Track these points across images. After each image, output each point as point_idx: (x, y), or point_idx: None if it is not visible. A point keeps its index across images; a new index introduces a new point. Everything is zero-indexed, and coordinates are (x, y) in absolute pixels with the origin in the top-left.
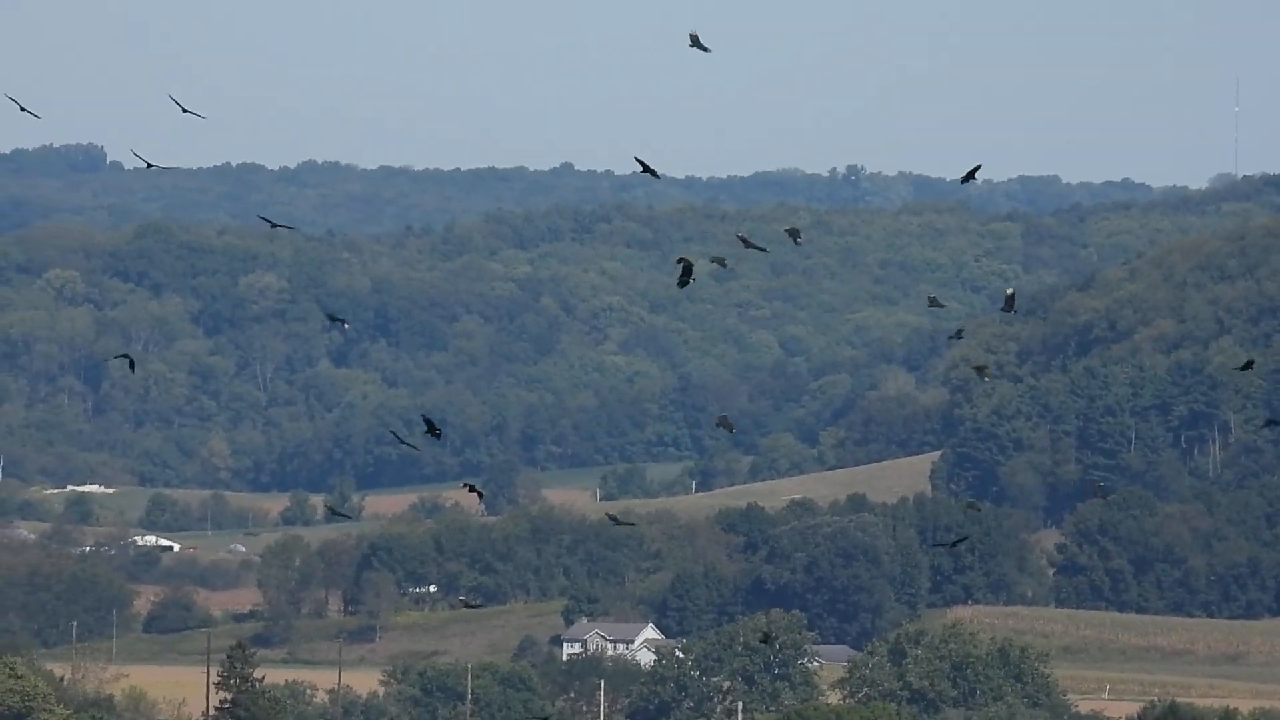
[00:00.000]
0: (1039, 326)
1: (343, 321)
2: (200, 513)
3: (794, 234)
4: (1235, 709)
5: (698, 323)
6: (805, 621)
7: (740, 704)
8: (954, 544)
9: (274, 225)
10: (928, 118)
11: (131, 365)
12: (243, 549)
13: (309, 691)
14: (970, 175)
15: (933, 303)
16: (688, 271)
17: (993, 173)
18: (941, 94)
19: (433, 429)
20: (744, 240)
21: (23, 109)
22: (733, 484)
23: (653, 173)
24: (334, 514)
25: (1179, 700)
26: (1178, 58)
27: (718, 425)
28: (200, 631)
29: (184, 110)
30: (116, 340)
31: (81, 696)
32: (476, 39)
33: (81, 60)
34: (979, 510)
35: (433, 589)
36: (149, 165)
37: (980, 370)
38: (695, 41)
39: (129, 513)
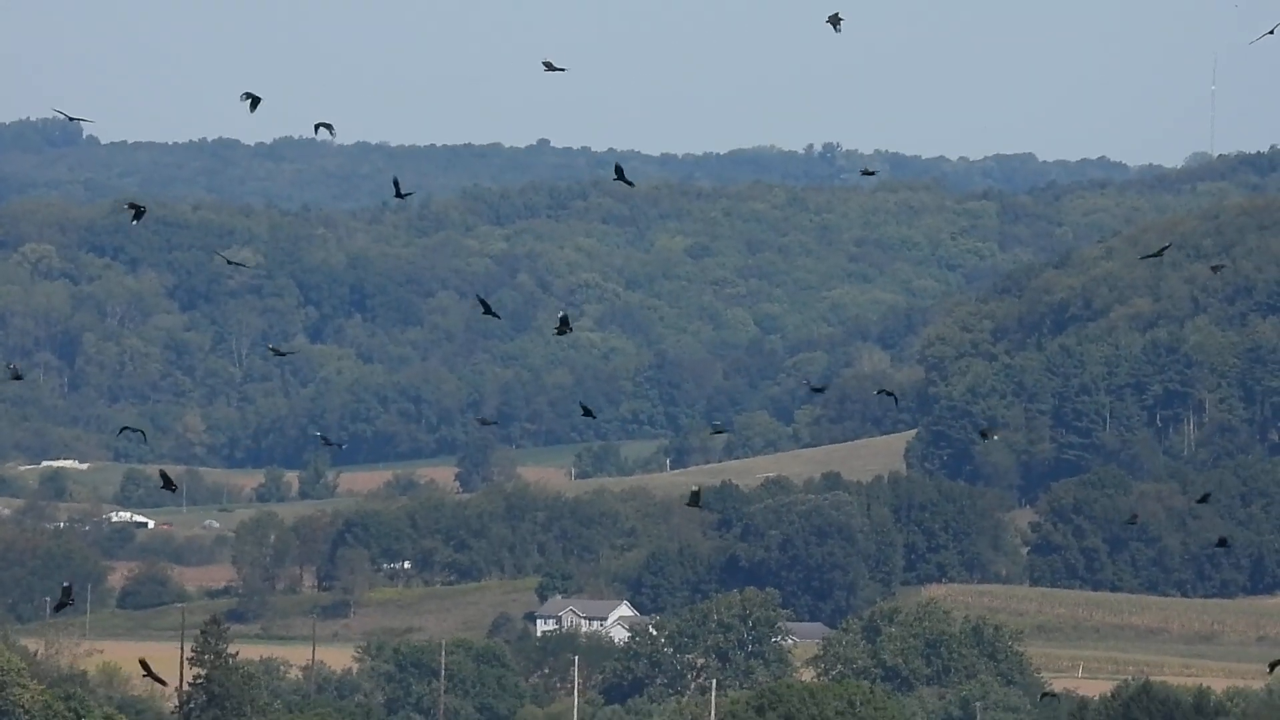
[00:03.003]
0: (1014, 305)
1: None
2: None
3: (835, 21)
4: (1209, 688)
5: (673, 300)
6: (779, 599)
7: (714, 681)
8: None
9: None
10: (904, 95)
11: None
12: (217, 525)
13: (283, 668)
14: None
15: (833, 20)
16: (565, 323)
17: (969, 150)
18: (917, 71)
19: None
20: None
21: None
22: (707, 461)
23: (628, 182)
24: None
25: (1153, 679)
26: (1154, 36)
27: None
28: (174, 607)
29: (70, 118)
30: (92, 315)
31: (55, 672)
32: (453, 15)
33: (58, 33)
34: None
35: (407, 565)
36: (69, 118)
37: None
38: (834, 21)
39: (103, 488)
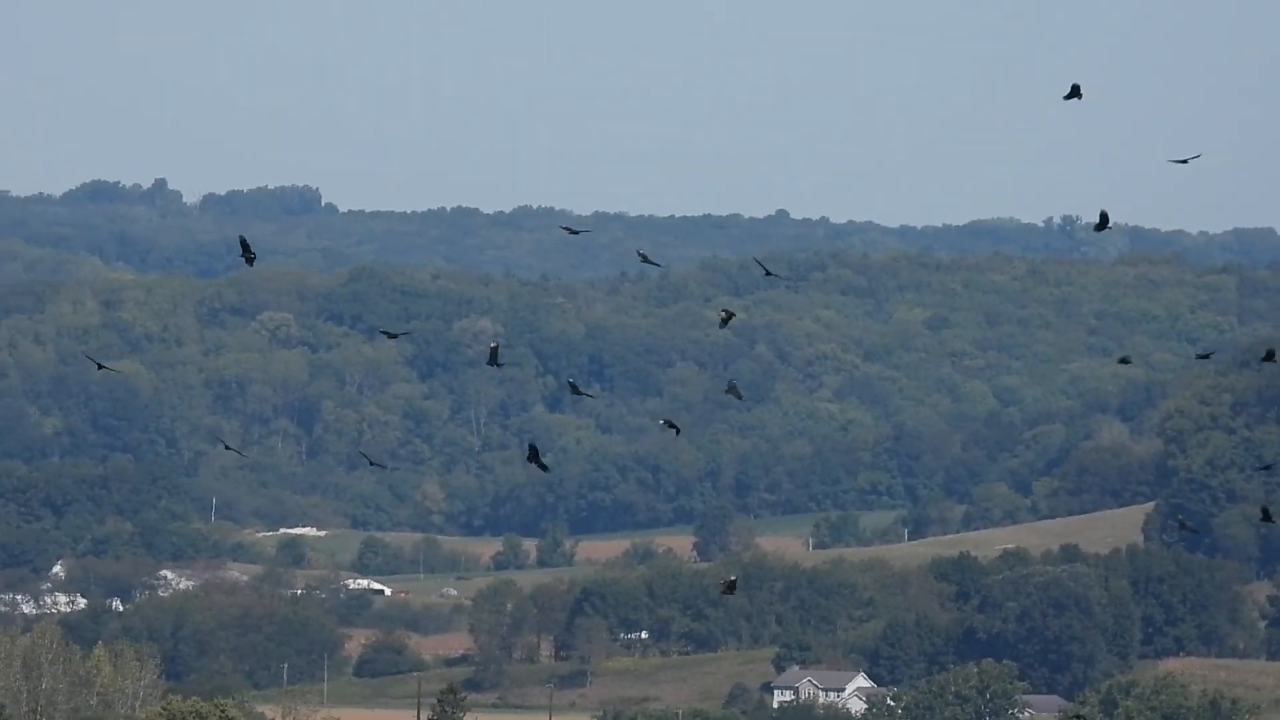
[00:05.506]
0: (1254, 378)
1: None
2: (412, 556)
3: (727, 317)
4: None
5: (912, 372)
6: (1017, 671)
7: None
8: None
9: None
10: (1145, 168)
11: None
12: (454, 593)
13: None
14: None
15: (1123, 360)
16: (495, 354)
17: (1208, 224)
18: (1158, 145)
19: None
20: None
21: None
22: (945, 533)
23: (653, 263)
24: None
25: None
26: None
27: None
28: (411, 675)
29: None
30: (330, 383)
31: None
32: (693, 88)
33: (297, 102)
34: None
35: (644, 635)
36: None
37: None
38: (1074, 92)
39: (341, 555)
